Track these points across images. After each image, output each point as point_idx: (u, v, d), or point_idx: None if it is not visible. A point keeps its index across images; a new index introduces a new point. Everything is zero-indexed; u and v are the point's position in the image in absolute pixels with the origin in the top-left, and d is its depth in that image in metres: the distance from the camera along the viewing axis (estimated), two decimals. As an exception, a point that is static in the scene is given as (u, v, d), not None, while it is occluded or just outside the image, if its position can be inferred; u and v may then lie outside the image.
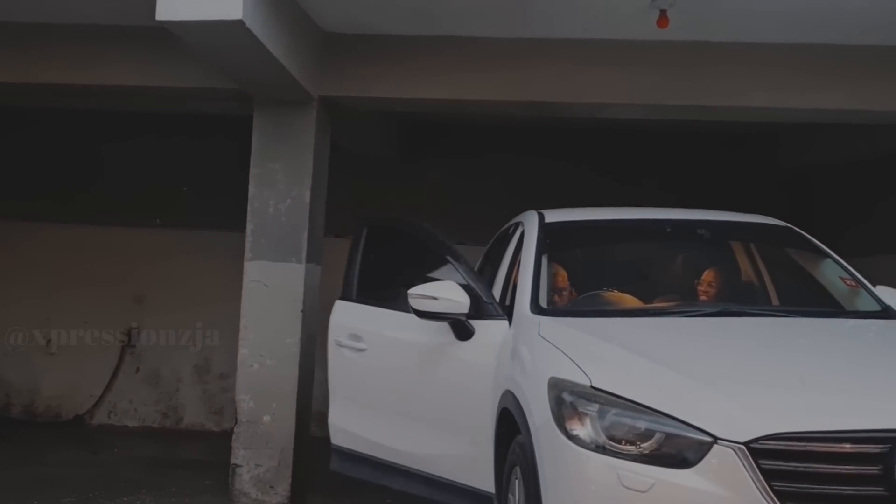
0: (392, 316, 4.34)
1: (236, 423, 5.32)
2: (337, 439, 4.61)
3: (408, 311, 3.99)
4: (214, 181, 7.59)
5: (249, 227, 5.39)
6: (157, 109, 7.37)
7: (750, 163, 8.20)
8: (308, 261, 5.36)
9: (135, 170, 7.95)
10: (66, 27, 5.38)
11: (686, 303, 4.12)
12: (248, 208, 5.40)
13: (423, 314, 3.91)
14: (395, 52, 5.40)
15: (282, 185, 5.37)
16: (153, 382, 7.89)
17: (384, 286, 4.66)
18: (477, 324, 3.92)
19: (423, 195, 8.01)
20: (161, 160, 7.91)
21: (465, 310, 3.85)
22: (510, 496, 3.45)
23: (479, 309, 3.90)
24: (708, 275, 4.41)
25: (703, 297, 4.32)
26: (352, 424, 4.54)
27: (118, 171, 7.96)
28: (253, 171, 5.41)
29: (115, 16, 5.21)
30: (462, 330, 3.95)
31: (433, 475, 4.14)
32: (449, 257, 4.27)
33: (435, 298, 3.85)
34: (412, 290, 3.89)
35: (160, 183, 7.91)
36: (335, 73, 5.40)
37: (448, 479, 4.06)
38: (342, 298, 4.66)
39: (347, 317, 4.61)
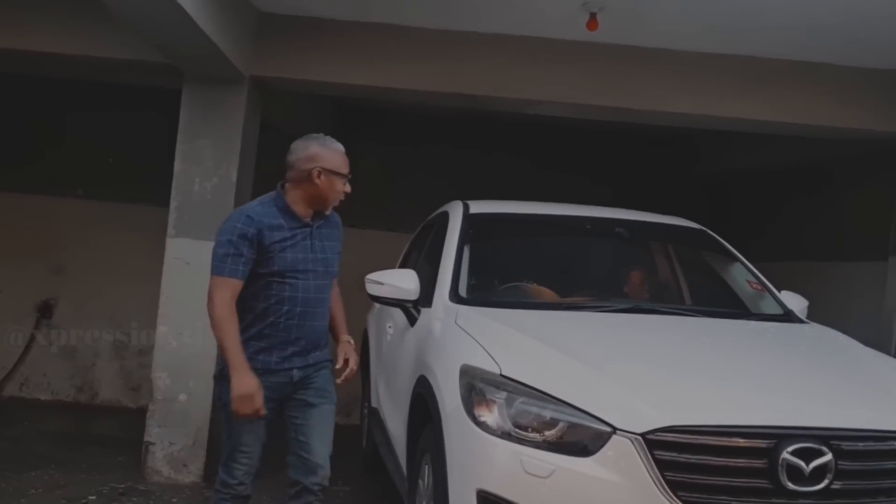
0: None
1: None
2: None
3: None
4: (141, 154, 7.46)
5: (173, 203, 5.33)
6: (84, 78, 7.20)
7: (672, 166, 8.46)
8: (233, 240, 5.32)
9: (57, 138, 7.75)
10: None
11: (599, 298, 4.25)
12: (173, 184, 5.34)
13: (373, 298, 4.13)
14: (328, 36, 5.41)
15: (209, 162, 5.32)
16: (69, 356, 7.72)
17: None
18: (422, 311, 4.07)
19: (355, 181, 7.99)
20: (86, 130, 7.72)
21: (411, 297, 4.02)
22: (420, 481, 3.53)
23: (425, 297, 4.04)
24: (636, 275, 4.59)
25: (632, 296, 4.48)
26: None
27: (40, 139, 7.74)
28: (179, 148, 5.35)
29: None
30: (410, 316, 4.14)
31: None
32: None
33: (382, 284, 4.03)
34: (368, 276, 4.07)
35: (84, 153, 7.73)
36: (268, 53, 5.37)
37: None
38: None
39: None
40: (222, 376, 3.30)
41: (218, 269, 3.30)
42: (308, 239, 3.40)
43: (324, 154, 3.42)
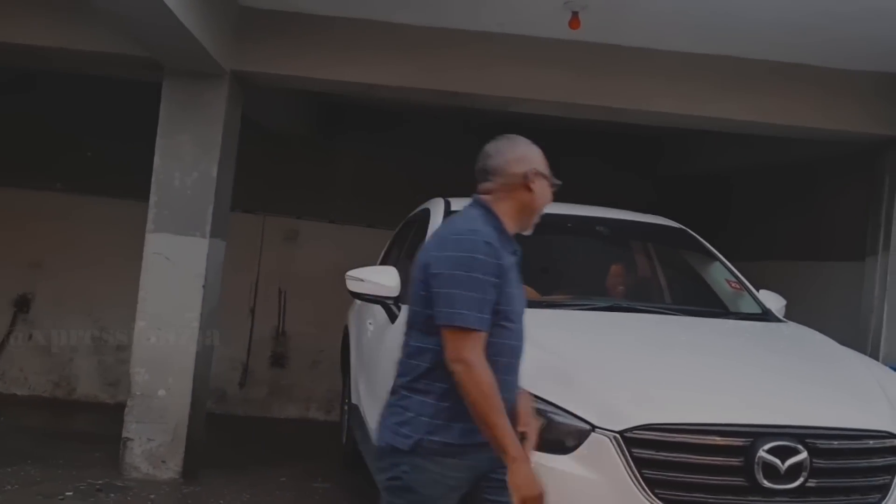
0: None
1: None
2: None
3: None
4: (120, 148, 7.40)
5: (153, 198, 5.30)
6: (64, 70, 7.12)
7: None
8: (212, 235, 5.31)
9: (36, 131, 7.68)
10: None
11: (580, 296, 4.26)
12: (153, 179, 5.30)
13: (353, 294, 4.15)
14: (311, 32, 5.38)
15: (189, 157, 5.29)
16: (46, 351, 7.65)
17: None
18: (403, 308, 4.03)
19: (336, 177, 8.01)
20: (65, 123, 7.65)
21: (392, 294, 4.01)
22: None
23: (406, 294, 3.97)
24: (616, 273, 4.60)
25: (616, 293, 4.48)
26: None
27: (18, 132, 7.66)
28: (159, 142, 5.31)
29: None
30: (390, 313, 4.14)
31: None
32: None
33: (362, 280, 4.04)
34: (349, 273, 4.11)
35: (63, 146, 7.66)
36: (249, 48, 5.34)
37: None
38: None
39: None
40: (415, 451, 2.42)
41: (464, 318, 2.33)
42: (517, 267, 2.56)
43: (533, 154, 2.62)
